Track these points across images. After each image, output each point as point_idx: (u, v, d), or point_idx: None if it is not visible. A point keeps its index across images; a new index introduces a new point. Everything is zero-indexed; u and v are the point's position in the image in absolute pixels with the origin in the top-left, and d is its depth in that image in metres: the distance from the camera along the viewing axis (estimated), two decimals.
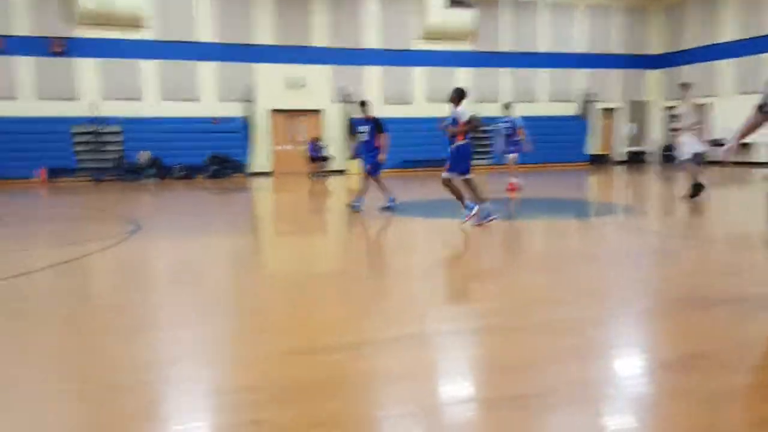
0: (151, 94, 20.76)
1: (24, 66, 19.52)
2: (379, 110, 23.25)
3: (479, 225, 8.17)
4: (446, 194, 8.57)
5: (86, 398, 2.90)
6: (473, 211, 8.25)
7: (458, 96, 8.60)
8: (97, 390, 2.99)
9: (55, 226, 9.61)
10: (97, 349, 3.64)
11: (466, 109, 8.60)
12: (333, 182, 18.61)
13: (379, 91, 23.07)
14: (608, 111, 26.72)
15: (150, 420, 2.71)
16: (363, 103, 10.59)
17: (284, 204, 12.27)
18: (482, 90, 24.06)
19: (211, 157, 20.65)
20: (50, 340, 3.89)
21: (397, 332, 3.80)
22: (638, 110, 26.84)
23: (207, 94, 21.27)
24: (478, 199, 8.37)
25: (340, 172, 22.30)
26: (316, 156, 21.22)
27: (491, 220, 8.30)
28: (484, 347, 3.59)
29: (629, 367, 3.34)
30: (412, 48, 23.42)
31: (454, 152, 8.53)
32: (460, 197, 8.49)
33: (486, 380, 3.13)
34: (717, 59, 23.87)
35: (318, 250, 7.57)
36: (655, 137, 26.94)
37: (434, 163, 22.88)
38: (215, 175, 20.39)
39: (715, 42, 23.90)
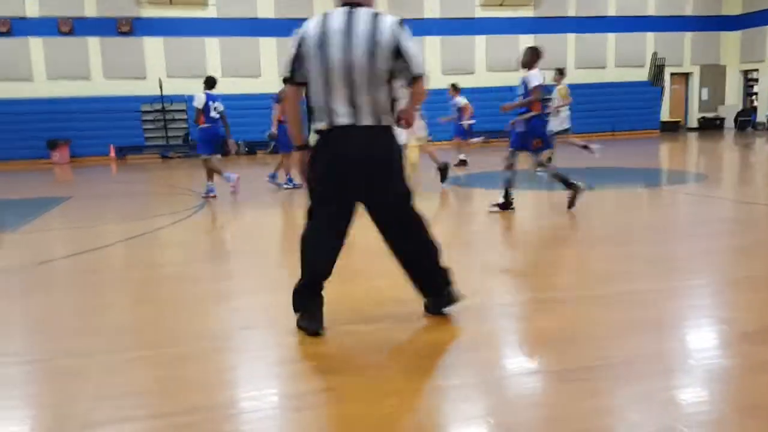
0: (214, 71, 21.10)
1: (92, 46, 20.14)
2: (439, 81, 23.08)
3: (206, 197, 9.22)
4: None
5: (158, 366, 2.98)
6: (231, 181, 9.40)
7: (210, 82, 9.40)
8: (169, 358, 3.07)
9: (126, 202, 9.93)
10: (168, 318, 3.74)
11: (199, 95, 9.30)
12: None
13: (440, 61, 22.77)
14: (680, 76, 25.61)
15: (221, 388, 2.76)
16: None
17: None
18: (547, 57, 23.41)
19: (271, 133, 20.84)
20: (122, 310, 4.02)
21: (462, 303, 3.75)
22: (713, 74, 25.60)
23: (268, 70, 21.46)
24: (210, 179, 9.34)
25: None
26: None
27: (213, 196, 9.25)
28: (552, 319, 3.50)
29: (707, 339, 3.20)
30: (474, 15, 22.94)
31: (199, 134, 9.37)
32: (218, 173, 9.40)
33: (554, 352, 3.05)
34: None
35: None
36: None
37: (497, 135, 22.56)
38: (276, 151, 20.58)
39: None
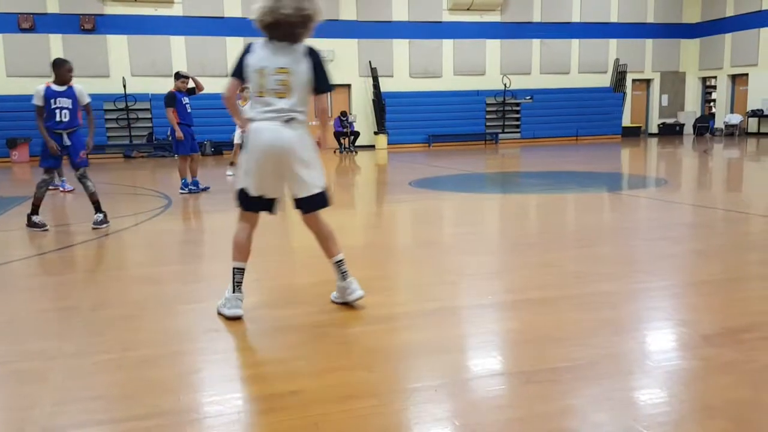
0: (180, 69, 20.85)
1: (54, 43, 19.72)
2: (407, 84, 23.16)
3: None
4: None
5: (122, 369, 2.93)
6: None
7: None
8: (133, 360, 3.02)
9: (89, 202, 9.72)
10: (132, 320, 3.68)
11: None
12: (361, 157, 18.55)
13: (408, 65, 22.87)
14: (642, 82, 26.14)
15: (186, 391, 2.73)
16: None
17: None
18: (513, 62, 23.68)
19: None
20: (85, 312, 3.94)
21: (431, 305, 3.78)
22: (673, 81, 26.19)
23: None
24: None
25: (371, 147, 22.22)
26: (342, 131, 21.09)
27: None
28: (518, 320, 3.54)
29: (667, 340, 3.27)
30: (441, 20, 23.09)
31: None
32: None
33: (520, 353, 3.09)
34: (757, 27, 23.12)
35: (345, 224, 7.56)
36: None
37: (463, 138, 22.72)
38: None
39: (756, 9, 23.13)
